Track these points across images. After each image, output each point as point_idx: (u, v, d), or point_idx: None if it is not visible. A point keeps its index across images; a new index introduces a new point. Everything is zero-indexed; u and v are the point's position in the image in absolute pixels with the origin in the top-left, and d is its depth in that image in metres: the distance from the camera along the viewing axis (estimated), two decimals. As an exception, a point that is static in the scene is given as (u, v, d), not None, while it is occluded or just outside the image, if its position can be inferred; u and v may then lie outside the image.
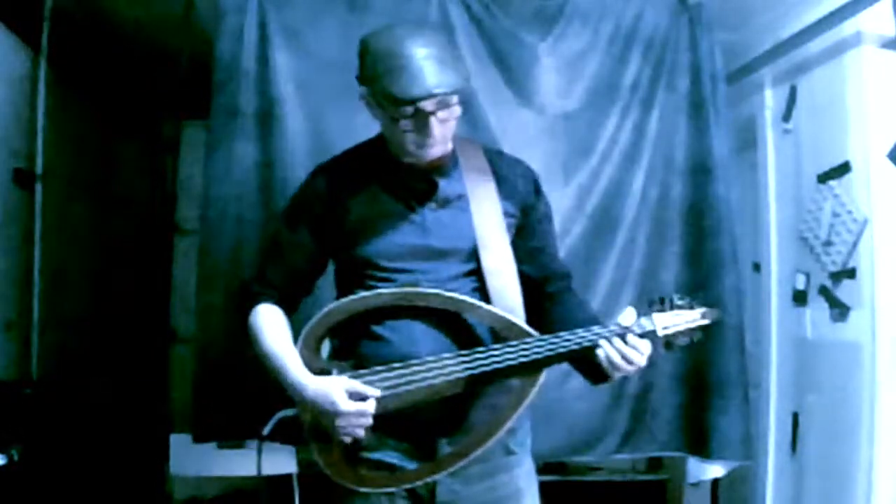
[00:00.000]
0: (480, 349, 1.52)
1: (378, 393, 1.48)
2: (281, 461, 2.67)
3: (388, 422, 1.50)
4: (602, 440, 2.42)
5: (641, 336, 1.51)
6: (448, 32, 2.39)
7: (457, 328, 1.55)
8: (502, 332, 1.54)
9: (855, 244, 2.35)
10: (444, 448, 1.54)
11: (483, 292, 1.58)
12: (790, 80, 2.71)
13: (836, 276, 2.43)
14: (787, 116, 2.74)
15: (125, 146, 4.03)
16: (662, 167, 2.47)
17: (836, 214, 2.43)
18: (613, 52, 2.47)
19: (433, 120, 1.49)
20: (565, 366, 1.61)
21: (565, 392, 2.28)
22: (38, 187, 2.97)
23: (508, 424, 1.53)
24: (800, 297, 2.63)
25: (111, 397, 3.56)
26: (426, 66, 1.45)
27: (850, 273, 2.37)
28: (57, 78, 3.07)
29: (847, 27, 2.36)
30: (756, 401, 2.70)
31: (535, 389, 1.54)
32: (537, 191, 1.71)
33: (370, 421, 1.48)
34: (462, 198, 1.62)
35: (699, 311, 1.59)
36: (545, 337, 1.53)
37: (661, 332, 1.54)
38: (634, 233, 2.44)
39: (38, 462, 2.48)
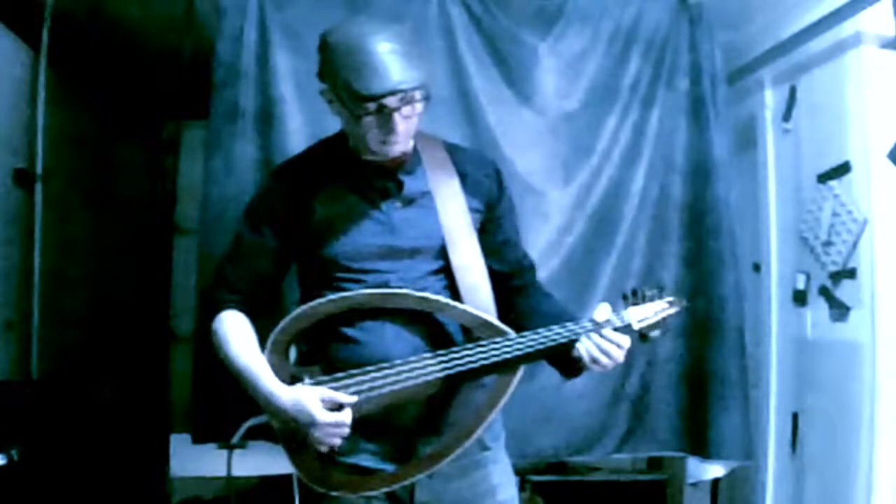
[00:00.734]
0: (456, 349, 1.50)
1: (353, 399, 1.45)
2: (281, 461, 2.66)
3: (364, 425, 1.48)
4: (602, 440, 2.42)
5: (616, 330, 1.51)
6: (448, 32, 2.39)
7: (427, 327, 1.53)
8: (476, 331, 1.53)
9: (855, 244, 2.35)
10: (423, 449, 1.52)
11: (453, 290, 1.56)
12: (790, 80, 2.71)
13: (836, 276, 2.43)
14: (787, 116, 2.74)
15: (125, 146, 4.03)
16: (662, 167, 2.47)
17: (836, 214, 2.43)
18: (613, 51, 2.48)
19: (397, 116, 1.45)
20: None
21: (565, 392, 2.28)
22: (38, 187, 2.96)
23: (487, 422, 1.51)
24: (800, 298, 2.63)
25: (111, 397, 3.55)
26: (389, 61, 1.42)
27: (850, 273, 2.37)
28: (57, 78, 3.07)
29: (847, 27, 2.37)
30: (756, 401, 2.70)
31: (513, 386, 1.53)
32: (500, 184, 1.68)
33: (347, 431, 1.45)
34: (426, 195, 1.59)
35: (667, 299, 1.60)
36: (525, 334, 1.52)
37: (636, 326, 1.55)
38: (634, 233, 2.45)
39: (38, 462, 2.48)
